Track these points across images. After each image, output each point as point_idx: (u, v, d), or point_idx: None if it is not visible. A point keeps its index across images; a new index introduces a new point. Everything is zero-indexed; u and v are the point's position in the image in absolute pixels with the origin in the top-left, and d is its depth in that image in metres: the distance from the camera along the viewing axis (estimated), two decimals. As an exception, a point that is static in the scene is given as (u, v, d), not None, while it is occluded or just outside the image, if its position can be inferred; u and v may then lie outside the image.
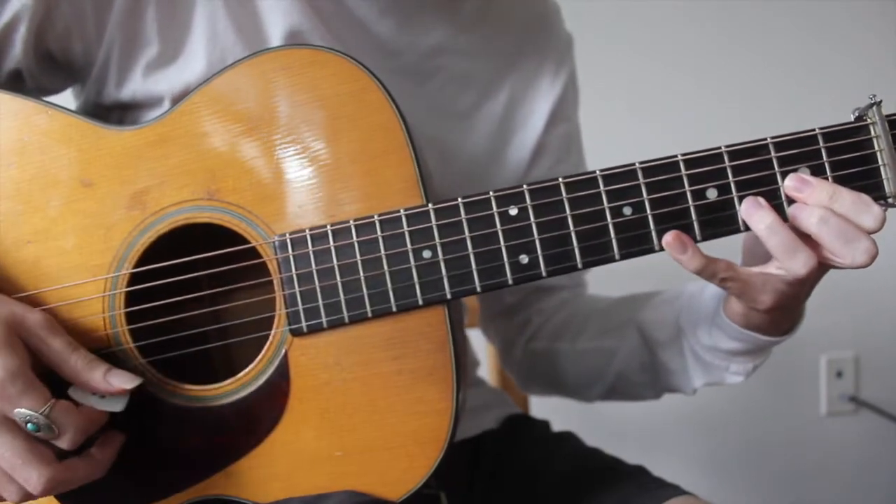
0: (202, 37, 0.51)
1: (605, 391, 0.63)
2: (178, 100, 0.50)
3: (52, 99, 0.50)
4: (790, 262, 0.41)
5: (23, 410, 0.40)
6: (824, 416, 1.30)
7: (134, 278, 0.47)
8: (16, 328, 0.42)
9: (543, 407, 0.84)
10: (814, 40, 1.23)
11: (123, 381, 0.43)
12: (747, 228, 0.43)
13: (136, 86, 0.51)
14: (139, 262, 0.47)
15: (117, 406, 0.43)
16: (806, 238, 0.42)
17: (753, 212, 0.42)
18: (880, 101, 0.43)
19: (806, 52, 1.23)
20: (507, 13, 0.60)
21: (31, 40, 0.50)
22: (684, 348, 0.55)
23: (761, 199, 0.42)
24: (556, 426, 0.68)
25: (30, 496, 0.42)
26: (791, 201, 0.43)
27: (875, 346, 1.29)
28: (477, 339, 0.79)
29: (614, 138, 1.07)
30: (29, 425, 0.40)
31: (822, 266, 0.42)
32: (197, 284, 0.47)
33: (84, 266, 0.47)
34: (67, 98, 0.56)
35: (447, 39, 0.57)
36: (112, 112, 0.54)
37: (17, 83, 0.53)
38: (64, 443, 0.41)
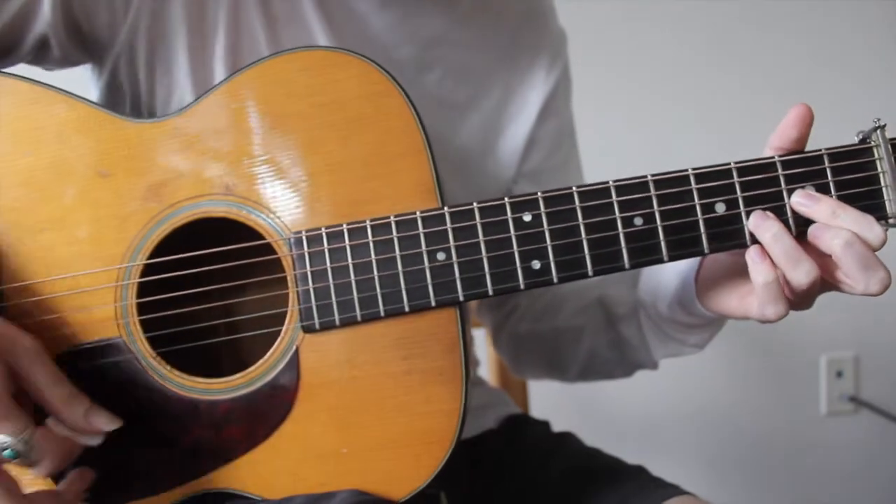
0: (223, 26, 0.51)
1: (580, 370, 0.64)
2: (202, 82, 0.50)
3: (69, 85, 0.50)
4: (793, 272, 0.42)
5: (3, 436, 0.39)
6: (824, 416, 1.31)
7: (147, 270, 0.47)
8: (3, 351, 0.41)
9: (543, 407, 0.85)
10: (819, 54, 1.24)
11: (103, 423, 0.43)
12: (754, 242, 0.44)
13: (177, 54, 0.52)
14: (153, 254, 0.47)
15: (94, 440, 0.43)
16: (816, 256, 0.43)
17: (761, 222, 0.43)
18: (884, 125, 0.44)
19: (810, 62, 1.24)
20: (504, 6, 0.61)
21: (60, 4, 0.50)
22: (642, 321, 0.56)
23: (768, 213, 0.43)
24: (556, 426, 0.68)
25: None
26: (797, 218, 0.44)
27: (875, 346, 1.29)
28: (477, 340, 0.80)
29: (612, 142, 1.08)
30: (6, 452, 0.39)
31: (826, 284, 0.43)
32: (210, 278, 0.48)
33: (98, 255, 0.47)
34: (84, 88, 0.56)
35: (445, 32, 0.57)
36: (140, 86, 0.53)
37: (42, 51, 0.53)
38: (41, 470, 0.41)
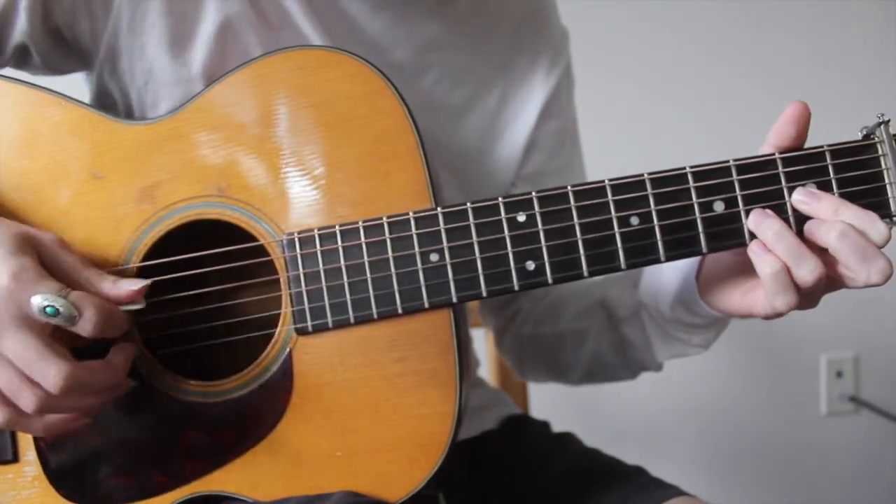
0: (210, 31, 0.51)
1: (583, 373, 0.64)
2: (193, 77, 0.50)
3: (65, 88, 0.50)
4: (798, 270, 0.42)
5: (40, 296, 0.39)
6: (824, 416, 1.30)
7: (142, 272, 0.47)
8: (29, 240, 0.42)
9: (543, 407, 0.84)
10: (819, 54, 1.23)
11: (131, 284, 0.43)
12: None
13: (155, 64, 0.51)
14: (147, 257, 0.47)
15: (134, 306, 0.44)
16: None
17: (761, 220, 0.42)
18: (888, 121, 0.43)
19: (810, 62, 1.23)
20: (502, 8, 0.60)
21: (39, 13, 0.50)
22: (645, 322, 0.56)
23: (768, 210, 0.43)
24: (556, 426, 0.68)
25: (48, 397, 0.40)
26: (798, 216, 0.43)
27: (875, 346, 1.29)
28: (477, 340, 0.80)
29: (613, 142, 1.08)
30: (48, 308, 0.39)
31: (831, 281, 0.43)
32: (204, 280, 0.47)
33: (93, 258, 0.47)
34: (79, 91, 0.56)
35: (440, 35, 0.57)
36: (129, 93, 0.53)
37: (24, 58, 0.53)
38: (86, 325, 0.41)
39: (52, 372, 0.40)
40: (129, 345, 0.45)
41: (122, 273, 0.46)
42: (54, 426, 0.43)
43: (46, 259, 0.43)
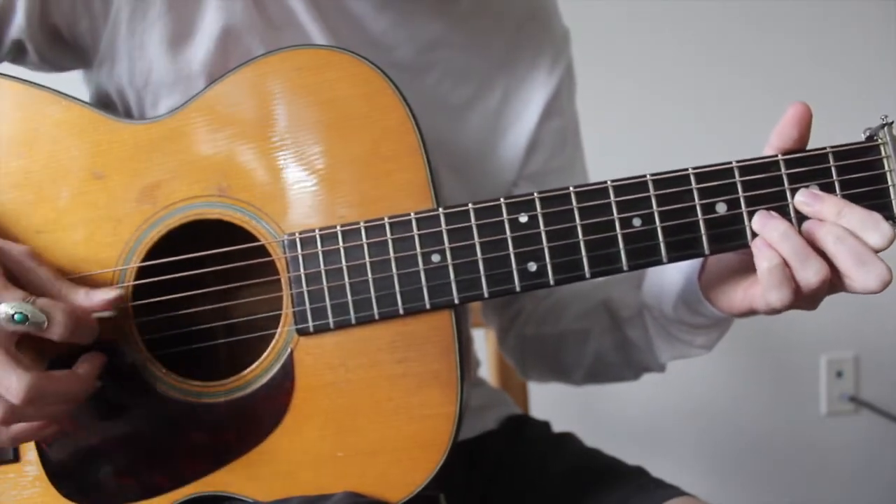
0: (214, 24, 0.51)
1: (586, 373, 0.64)
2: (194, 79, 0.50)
3: (65, 86, 0.50)
4: (803, 271, 0.41)
5: (5, 305, 0.39)
6: (824, 416, 1.30)
7: (142, 272, 0.47)
8: None
9: (543, 407, 0.84)
10: (819, 54, 1.24)
11: (104, 294, 0.44)
12: None
13: (155, 63, 0.51)
14: (148, 257, 0.47)
15: (107, 313, 0.45)
16: None
17: (766, 221, 0.42)
18: (892, 122, 0.43)
19: (810, 62, 1.24)
20: (504, 8, 0.60)
21: (37, 12, 0.50)
22: (647, 323, 0.56)
23: (773, 212, 0.43)
24: (556, 426, 0.68)
25: (11, 408, 0.40)
26: (800, 218, 0.43)
27: (875, 346, 1.29)
28: (477, 340, 0.80)
29: (613, 142, 1.08)
30: (17, 316, 0.39)
31: (831, 284, 0.43)
32: (204, 280, 0.47)
33: (93, 258, 0.47)
34: (79, 89, 0.56)
35: (443, 34, 0.57)
36: (127, 95, 0.53)
37: (20, 55, 0.53)
38: (56, 329, 0.40)
39: (13, 383, 0.39)
40: (98, 355, 0.45)
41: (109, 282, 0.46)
42: (21, 436, 0.43)
43: (16, 271, 0.42)
